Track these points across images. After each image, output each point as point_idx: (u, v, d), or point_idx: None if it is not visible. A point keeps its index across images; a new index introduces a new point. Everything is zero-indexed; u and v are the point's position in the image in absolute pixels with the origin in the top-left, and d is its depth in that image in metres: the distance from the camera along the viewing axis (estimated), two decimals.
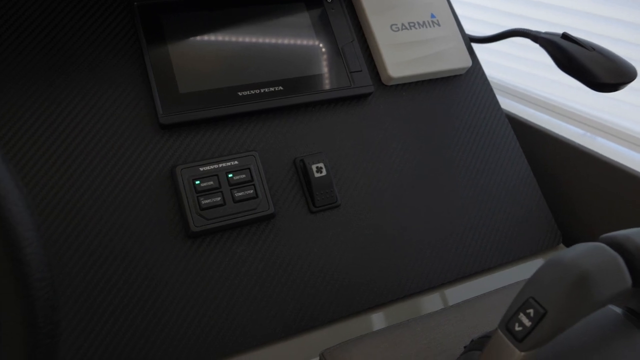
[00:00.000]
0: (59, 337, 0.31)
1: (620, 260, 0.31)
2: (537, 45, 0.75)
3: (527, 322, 0.30)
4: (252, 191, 0.62)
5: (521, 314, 0.30)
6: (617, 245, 0.32)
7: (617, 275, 0.31)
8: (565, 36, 0.70)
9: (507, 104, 0.90)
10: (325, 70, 0.71)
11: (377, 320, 0.64)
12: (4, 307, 0.29)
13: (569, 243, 0.79)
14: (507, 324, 0.31)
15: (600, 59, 0.66)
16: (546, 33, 0.73)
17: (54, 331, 0.30)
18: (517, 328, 0.30)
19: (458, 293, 0.68)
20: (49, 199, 0.56)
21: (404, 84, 0.76)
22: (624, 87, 0.65)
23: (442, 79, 0.79)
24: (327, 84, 0.70)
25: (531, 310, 0.30)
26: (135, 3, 0.65)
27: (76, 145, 0.59)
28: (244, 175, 0.62)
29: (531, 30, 0.76)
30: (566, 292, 0.29)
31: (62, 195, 0.57)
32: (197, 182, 0.60)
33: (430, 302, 0.67)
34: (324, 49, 0.72)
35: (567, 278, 0.30)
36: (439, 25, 0.79)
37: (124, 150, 0.61)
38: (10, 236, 0.29)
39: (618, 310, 0.38)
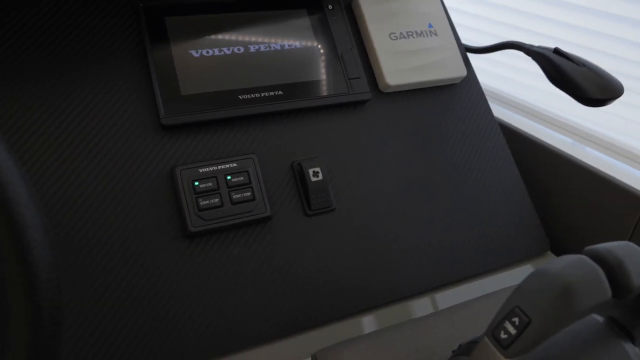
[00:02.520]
0: (62, 336, 0.32)
1: (601, 272, 0.33)
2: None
3: (513, 330, 0.32)
4: (249, 193, 0.63)
5: (507, 322, 0.32)
6: (599, 258, 0.34)
7: (597, 287, 0.32)
8: (556, 51, 0.72)
9: (500, 112, 0.92)
10: (324, 76, 0.72)
11: (369, 323, 0.65)
12: (11, 306, 0.30)
13: (556, 250, 0.81)
14: (493, 331, 0.33)
15: (590, 75, 0.68)
16: (539, 47, 0.75)
17: (57, 330, 0.32)
18: (503, 335, 0.32)
19: (448, 297, 0.70)
20: (49, 196, 0.57)
21: (401, 92, 0.78)
22: (611, 102, 0.67)
23: (438, 87, 0.81)
24: (325, 90, 0.71)
25: (516, 319, 0.32)
26: (140, 4, 0.66)
27: (77, 144, 0.60)
28: (242, 178, 0.64)
29: (524, 44, 0.78)
30: (549, 302, 0.31)
31: (62, 193, 0.58)
32: (196, 183, 0.61)
33: (421, 306, 0.68)
34: (323, 55, 0.73)
35: (551, 289, 0.31)
36: (436, 35, 0.81)
37: (125, 150, 0.62)
38: (20, 238, 0.30)
39: (601, 319, 0.40)
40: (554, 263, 0.33)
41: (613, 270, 0.33)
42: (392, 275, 0.67)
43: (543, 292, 0.32)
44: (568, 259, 0.34)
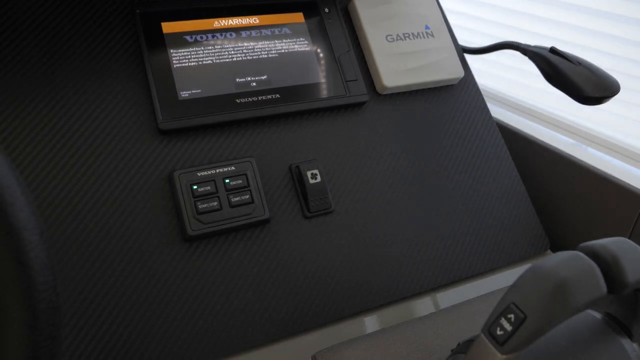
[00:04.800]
0: (60, 338, 0.32)
1: (596, 268, 0.33)
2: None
3: (508, 327, 0.32)
4: (248, 196, 0.64)
5: (502, 319, 0.32)
6: (594, 254, 0.34)
7: (592, 283, 0.32)
8: (552, 50, 0.72)
9: (499, 113, 0.92)
10: (321, 79, 0.72)
11: (369, 323, 0.65)
12: (8, 309, 0.30)
13: (556, 249, 0.81)
14: (489, 328, 0.33)
15: (586, 73, 0.68)
16: (535, 47, 0.75)
17: (55, 332, 0.32)
18: (499, 332, 0.32)
19: (448, 297, 0.70)
20: (49, 201, 0.58)
21: (398, 93, 0.78)
22: (608, 100, 0.68)
23: (436, 88, 0.81)
24: (323, 93, 0.72)
25: (512, 315, 0.32)
26: (137, 11, 0.67)
27: (77, 149, 0.60)
28: (240, 181, 0.64)
29: (521, 44, 0.78)
30: (544, 298, 0.31)
31: (62, 198, 0.58)
32: (195, 187, 0.62)
33: (421, 306, 0.68)
34: (320, 58, 0.73)
35: (546, 285, 0.32)
36: (432, 36, 0.81)
37: (124, 155, 0.62)
38: (16, 241, 0.30)
39: (598, 315, 0.40)
40: (549, 259, 0.33)
41: (608, 266, 0.33)
42: (391, 275, 0.67)
43: (538, 288, 0.32)
44: (563, 255, 0.34)
